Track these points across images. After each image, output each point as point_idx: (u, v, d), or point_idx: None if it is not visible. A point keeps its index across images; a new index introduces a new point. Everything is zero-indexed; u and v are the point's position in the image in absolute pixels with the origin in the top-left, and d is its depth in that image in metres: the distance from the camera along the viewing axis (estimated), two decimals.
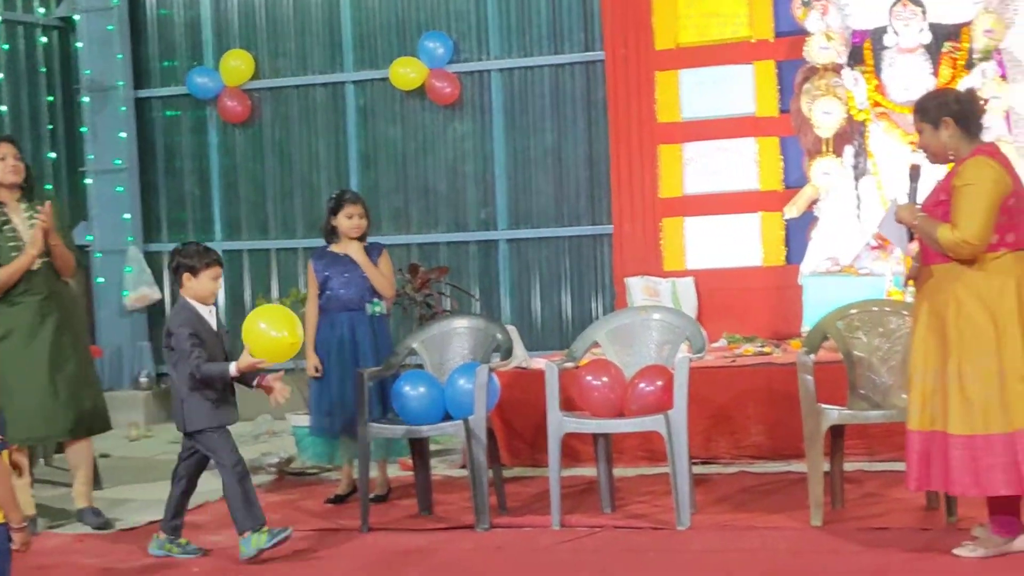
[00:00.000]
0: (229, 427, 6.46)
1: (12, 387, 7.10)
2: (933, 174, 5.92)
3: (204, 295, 6.48)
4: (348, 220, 7.60)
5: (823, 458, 6.41)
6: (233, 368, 6.29)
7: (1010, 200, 5.49)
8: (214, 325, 6.49)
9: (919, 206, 5.70)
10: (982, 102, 5.83)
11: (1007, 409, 5.42)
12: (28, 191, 7.31)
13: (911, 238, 5.77)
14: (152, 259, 11.94)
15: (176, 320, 6.44)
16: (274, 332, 6.29)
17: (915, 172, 5.83)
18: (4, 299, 7.15)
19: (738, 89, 10.19)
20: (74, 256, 7.38)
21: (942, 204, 5.58)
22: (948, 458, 5.48)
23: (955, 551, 5.61)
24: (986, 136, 5.94)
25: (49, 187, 11.47)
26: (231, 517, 6.31)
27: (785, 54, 9.96)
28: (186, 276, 6.48)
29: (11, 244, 7.15)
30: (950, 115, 5.62)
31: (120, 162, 11.75)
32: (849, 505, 6.66)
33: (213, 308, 6.52)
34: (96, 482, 8.18)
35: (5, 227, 7.17)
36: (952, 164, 5.69)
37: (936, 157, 5.75)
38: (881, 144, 9.25)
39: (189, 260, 6.49)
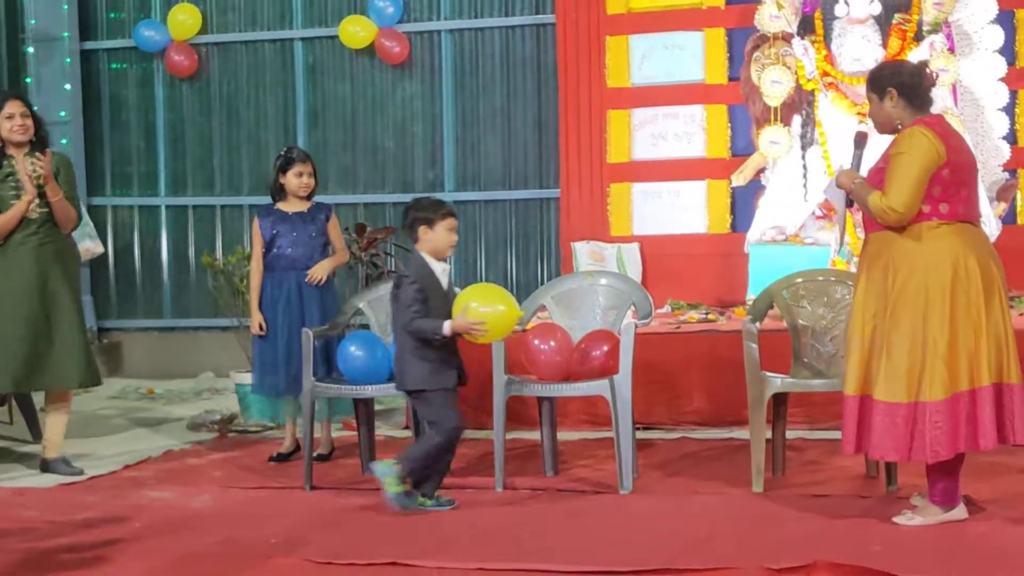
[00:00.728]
0: (451, 390, 6.34)
1: (3, 334, 7.16)
2: (881, 143, 5.97)
3: (442, 247, 6.34)
4: (297, 179, 7.56)
5: (765, 425, 6.46)
6: (447, 327, 6.18)
7: (944, 171, 5.54)
8: (444, 284, 6.36)
9: (863, 174, 5.78)
10: (933, 75, 5.89)
11: (922, 380, 5.50)
12: (39, 144, 7.27)
13: (849, 204, 5.85)
14: (96, 213, 11.82)
15: (408, 273, 6.33)
16: (488, 308, 6.21)
17: (860, 139, 5.94)
18: (2, 246, 7.19)
19: (688, 56, 10.23)
20: (76, 211, 7.34)
21: (880, 172, 5.67)
22: (872, 423, 5.57)
23: (895, 519, 5.67)
24: (934, 109, 6.00)
25: (64, 142, 11.35)
26: (407, 464, 6.21)
27: (736, 22, 10.00)
28: (422, 229, 6.32)
29: (11, 194, 7.19)
30: (895, 86, 5.70)
31: (64, 114, 11.61)
32: (790, 472, 6.73)
33: (447, 267, 6.42)
34: (36, 436, 8.17)
35: (8, 178, 7.16)
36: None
37: (882, 127, 5.84)
38: (829, 114, 9.30)
39: (424, 213, 6.37)
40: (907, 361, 5.51)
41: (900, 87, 5.69)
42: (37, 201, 7.21)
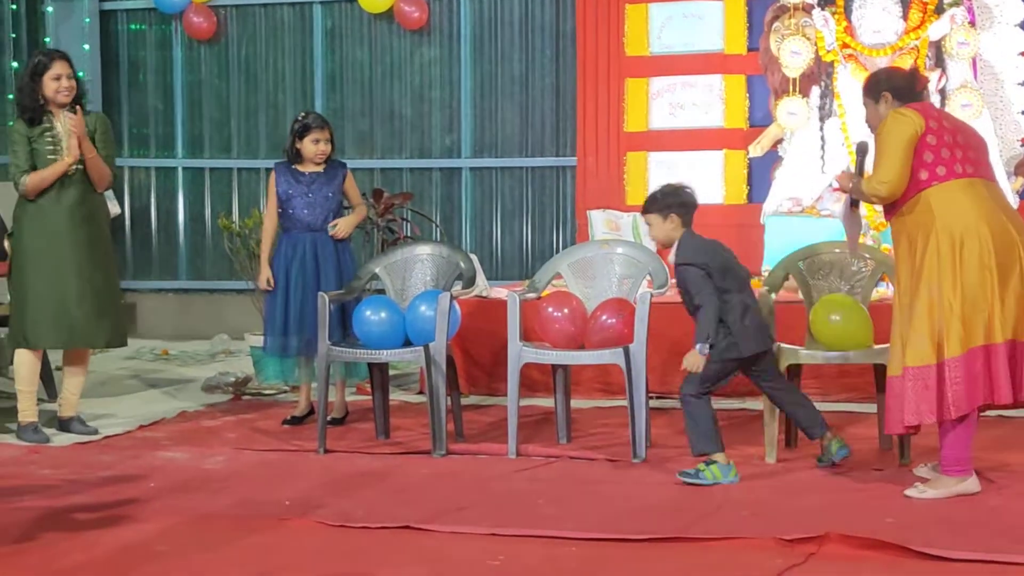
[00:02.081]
0: None
1: (35, 290, 7.22)
2: None
3: None
4: (314, 145, 7.57)
5: None
6: None
7: (927, 137, 5.66)
8: None
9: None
10: (924, 81, 6.09)
11: (943, 340, 5.56)
12: (76, 101, 7.29)
13: (854, 204, 5.98)
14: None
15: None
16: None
17: (862, 147, 6.06)
18: (36, 202, 7.21)
19: (707, 25, 10.21)
20: (111, 171, 7.36)
21: None
22: (904, 390, 5.64)
23: (906, 492, 5.69)
24: (953, 83, 6.09)
25: (92, 106, 11.33)
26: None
27: None
28: None
29: (49, 148, 7.21)
30: (889, 90, 5.87)
31: (83, 74, 11.53)
32: (803, 444, 6.73)
33: None
34: (51, 394, 8.21)
35: (47, 133, 7.19)
36: None
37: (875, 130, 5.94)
38: (848, 86, 9.25)
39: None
40: (929, 324, 5.58)
41: (894, 90, 5.86)
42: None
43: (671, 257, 6.20)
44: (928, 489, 5.69)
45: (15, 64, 11.49)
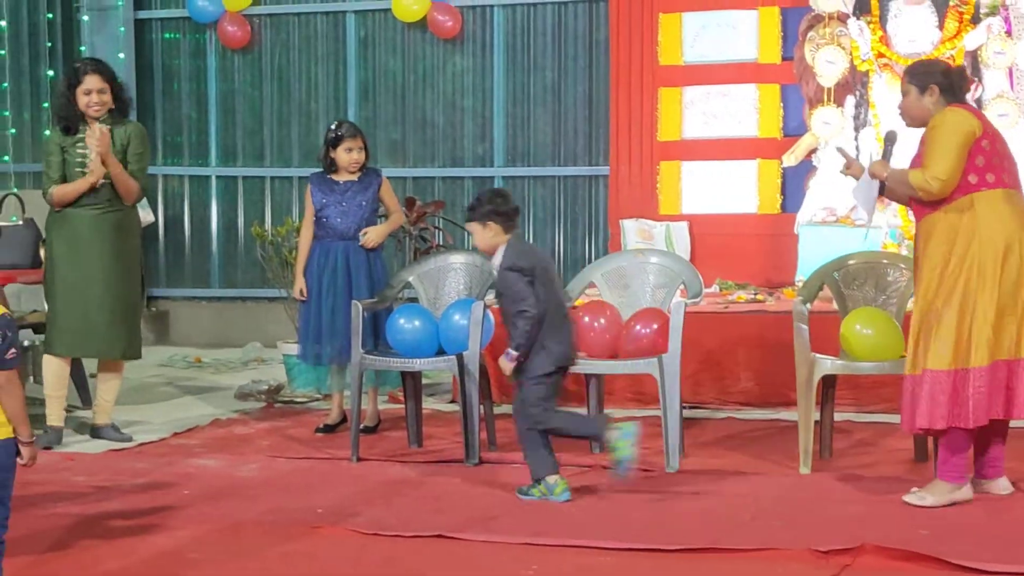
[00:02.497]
0: None
1: (60, 298, 7.28)
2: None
3: None
4: (347, 154, 7.57)
5: (814, 407, 6.44)
6: None
7: (983, 141, 5.66)
8: None
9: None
10: (971, 83, 6.04)
11: (969, 347, 5.57)
12: (118, 113, 7.31)
13: (880, 192, 5.95)
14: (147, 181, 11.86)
15: None
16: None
17: (892, 136, 6.09)
18: (65, 211, 7.27)
19: (741, 34, 10.17)
20: (140, 184, 7.38)
21: (919, 157, 5.77)
22: (920, 393, 5.66)
23: (904, 498, 5.72)
24: (989, 93, 6.05)
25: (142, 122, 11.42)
26: None
27: (790, 1, 9.93)
28: None
29: (79, 160, 7.25)
30: (938, 84, 5.82)
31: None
32: (837, 455, 6.70)
33: None
34: (85, 401, 8.24)
35: (78, 144, 7.22)
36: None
37: (914, 120, 5.94)
38: (883, 95, 9.23)
39: None
40: (956, 331, 5.58)
41: (943, 86, 5.82)
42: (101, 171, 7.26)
43: (494, 261, 6.14)
44: (927, 495, 5.71)
45: (51, 73, 11.55)
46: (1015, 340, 5.59)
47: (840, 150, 6.31)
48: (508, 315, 6.08)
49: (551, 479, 5.99)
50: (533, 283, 5.99)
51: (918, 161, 5.79)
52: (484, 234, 6.12)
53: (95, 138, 7.13)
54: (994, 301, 5.55)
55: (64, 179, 7.26)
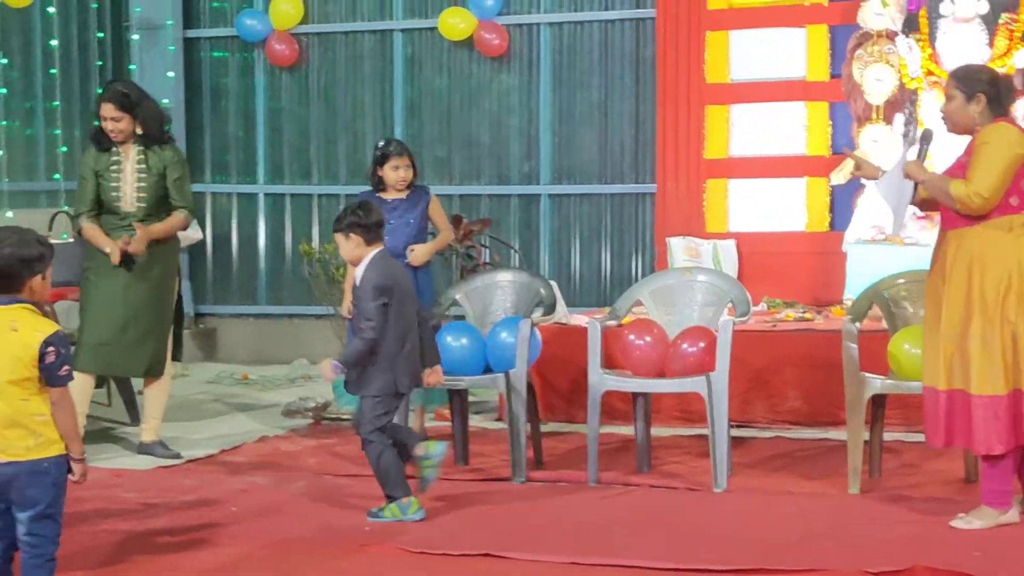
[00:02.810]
0: None
1: (88, 315, 7.37)
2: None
3: None
4: (393, 172, 7.58)
5: (863, 426, 6.40)
6: None
7: None
8: None
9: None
10: (1016, 91, 5.96)
11: (1018, 369, 5.54)
12: (149, 139, 7.33)
13: (912, 197, 5.87)
14: (195, 199, 11.90)
15: None
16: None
17: (928, 135, 6.00)
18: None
19: (789, 52, 10.14)
20: (185, 213, 7.43)
21: (962, 166, 5.69)
22: (972, 418, 5.57)
23: (951, 523, 5.67)
24: None
25: (175, 133, 11.53)
26: None
27: (839, 19, 9.89)
28: None
29: (113, 185, 7.33)
30: (985, 92, 5.73)
31: (167, 101, 11.72)
32: (886, 475, 6.65)
33: None
34: (133, 418, 8.29)
35: (112, 167, 7.31)
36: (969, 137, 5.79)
37: (956, 126, 5.87)
38: (932, 113, 9.15)
39: None
40: (1002, 354, 5.53)
41: (990, 95, 5.74)
42: (135, 196, 7.31)
43: (356, 273, 6.18)
44: (974, 520, 5.67)
45: (101, 91, 11.63)
46: None
47: (846, 151, 6.25)
48: (355, 326, 6.18)
49: (404, 500, 6.03)
50: (388, 304, 6.02)
51: (957, 170, 5.71)
52: (347, 245, 6.17)
53: (128, 241, 7.20)
54: None
55: (98, 204, 7.32)
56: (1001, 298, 5.55)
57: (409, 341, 6.13)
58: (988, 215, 5.60)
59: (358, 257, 6.15)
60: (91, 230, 7.33)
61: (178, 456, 7.47)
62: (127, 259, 7.24)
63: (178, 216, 7.42)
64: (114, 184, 7.30)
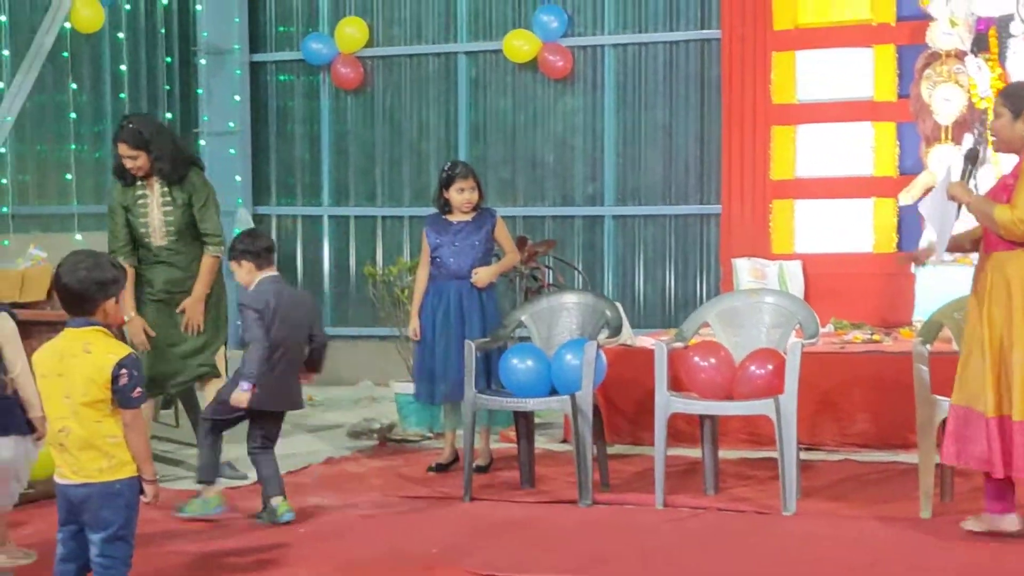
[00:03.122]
0: None
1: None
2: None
3: None
4: (459, 195, 7.59)
5: (935, 449, 6.32)
6: None
7: None
8: None
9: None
10: None
11: None
12: (169, 174, 7.35)
13: (958, 216, 5.85)
14: (260, 221, 12.03)
15: None
16: None
17: (973, 155, 6.02)
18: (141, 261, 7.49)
19: (856, 72, 10.08)
20: (213, 241, 7.47)
21: (1008, 188, 5.66)
22: (1014, 444, 5.57)
23: (963, 524, 5.77)
24: None
25: (233, 152, 11.60)
26: None
27: (907, 38, 9.82)
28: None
29: (142, 220, 7.39)
30: None
31: (233, 125, 11.85)
32: (959, 498, 6.56)
33: None
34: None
35: (140, 200, 7.39)
36: (1016, 156, 5.77)
37: (1004, 144, 5.86)
38: None
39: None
40: None
41: None
42: (164, 229, 7.38)
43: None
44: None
45: (169, 115, 11.75)
46: None
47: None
48: (245, 346, 6.43)
49: (207, 493, 6.41)
50: (263, 319, 6.34)
51: (1001, 192, 5.68)
52: (239, 271, 6.52)
53: (195, 318, 7.48)
54: None
55: (132, 242, 7.40)
56: None
57: (281, 366, 6.39)
58: None
59: (249, 282, 6.48)
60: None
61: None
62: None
63: (209, 260, 7.47)
64: (143, 220, 7.37)
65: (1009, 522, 5.77)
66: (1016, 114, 5.70)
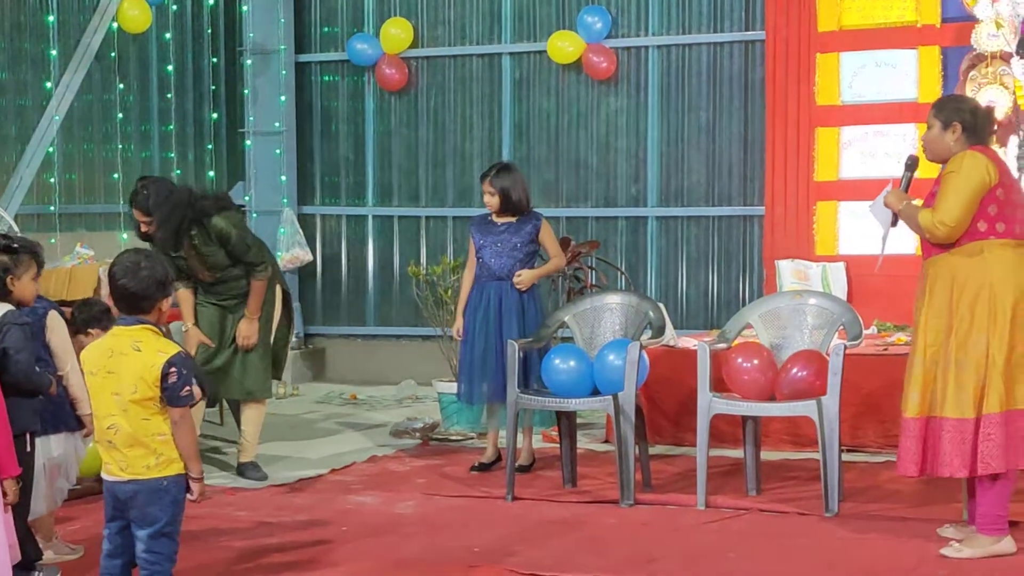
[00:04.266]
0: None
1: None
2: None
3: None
4: (487, 197, 7.63)
5: None
6: None
7: (997, 191, 5.64)
8: None
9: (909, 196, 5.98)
10: (995, 124, 6.10)
11: (984, 394, 5.58)
12: (163, 242, 7.32)
13: (893, 223, 6.01)
14: (305, 221, 12.11)
15: None
16: None
17: (912, 162, 6.13)
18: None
19: (900, 74, 10.05)
20: (258, 270, 7.54)
21: (933, 196, 5.78)
22: (940, 441, 5.63)
23: (942, 551, 5.66)
24: None
25: (278, 152, 11.77)
26: None
27: (951, 40, 9.78)
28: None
29: (182, 264, 7.48)
30: (960, 122, 5.80)
31: (279, 125, 11.93)
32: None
33: None
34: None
35: (177, 260, 7.42)
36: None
37: (934, 156, 5.95)
38: None
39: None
40: (974, 377, 5.60)
41: (966, 124, 5.79)
42: (206, 270, 7.52)
43: None
44: (964, 548, 5.67)
45: (215, 115, 11.85)
46: None
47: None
48: None
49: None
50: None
51: (930, 200, 5.78)
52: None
53: (248, 340, 7.59)
54: (1004, 350, 5.56)
55: (183, 275, 7.53)
56: (975, 322, 5.59)
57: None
58: (957, 242, 5.66)
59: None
60: (182, 295, 7.60)
61: (266, 478, 7.54)
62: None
63: (256, 284, 7.54)
64: (183, 264, 7.46)
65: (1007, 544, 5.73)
66: (945, 125, 5.81)
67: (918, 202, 5.93)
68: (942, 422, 5.63)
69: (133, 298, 4.57)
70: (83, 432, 5.66)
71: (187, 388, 4.52)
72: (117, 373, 4.52)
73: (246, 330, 7.54)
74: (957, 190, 5.62)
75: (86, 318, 6.30)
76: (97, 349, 4.65)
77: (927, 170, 6.39)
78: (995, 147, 9.09)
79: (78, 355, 5.04)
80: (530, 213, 7.70)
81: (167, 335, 7.85)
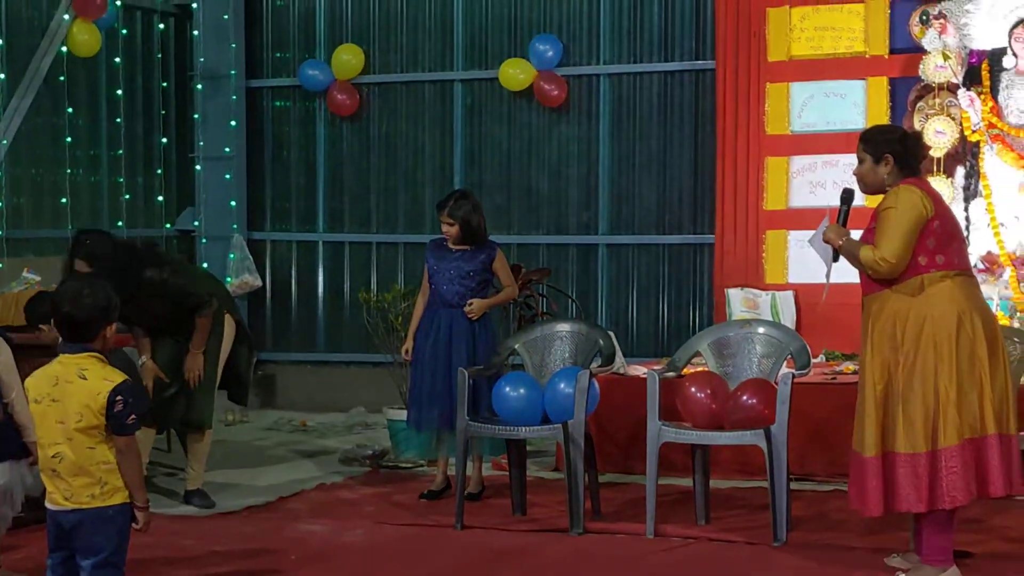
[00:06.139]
0: None
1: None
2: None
3: None
4: (446, 227, 7.62)
5: None
6: None
7: (934, 223, 5.70)
8: None
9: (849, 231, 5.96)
10: (927, 151, 6.03)
11: (937, 428, 5.59)
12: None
13: (835, 259, 6.00)
14: (255, 246, 12.04)
15: None
16: None
17: (847, 195, 6.13)
18: None
19: (849, 104, 10.12)
20: (203, 312, 7.53)
21: (871, 232, 5.82)
22: (896, 476, 5.64)
23: None
24: None
25: (228, 176, 11.69)
26: None
27: (900, 71, 9.87)
28: None
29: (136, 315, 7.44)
30: (892, 153, 5.85)
31: (229, 150, 11.88)
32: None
33: None
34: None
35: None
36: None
37: (868, 188, 6.02)
38: (994, 166, 9.15)
39: None
40: (923, 410, 5.62)
41: (897, 155, 5.84)
42: (154, 321, 7.54)
43: None
44: None
45: (165, 140, 11.79)
46: (978, 417, 5.61)
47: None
48: None
49: None
50: None
51: (869, 236, 5.81)
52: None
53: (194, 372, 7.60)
54: (953, 380, 5.59)
55: None
56: (919, 356, 5.61)
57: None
58: (899, 278, 5.70)
59: None
60: (139, 329, 7.61)
61: (213, 506, 7.52)
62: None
63: (201, 321, 7.53)
64: (135, 316, 7.44)
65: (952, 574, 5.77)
66: (876, 159, 5.86)
67: (856, 234, 5.95)
68: (895, 457, 5.65)
69: (77, 326, 4.53)
70: (29, 460, 5.60)
71: (133, 416, 4.48)
72: (62, 401, 4.48)
73: (190, 364, 7.53)
74: (896, 225, 5.65)
75: (39, 314, 6.26)
76: (42, 377, 4.61)
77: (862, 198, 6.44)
78: (932, 177, 9.27)
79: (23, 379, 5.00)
80: (486, 242, 7.69)
81: (128, 362, 7.86)
